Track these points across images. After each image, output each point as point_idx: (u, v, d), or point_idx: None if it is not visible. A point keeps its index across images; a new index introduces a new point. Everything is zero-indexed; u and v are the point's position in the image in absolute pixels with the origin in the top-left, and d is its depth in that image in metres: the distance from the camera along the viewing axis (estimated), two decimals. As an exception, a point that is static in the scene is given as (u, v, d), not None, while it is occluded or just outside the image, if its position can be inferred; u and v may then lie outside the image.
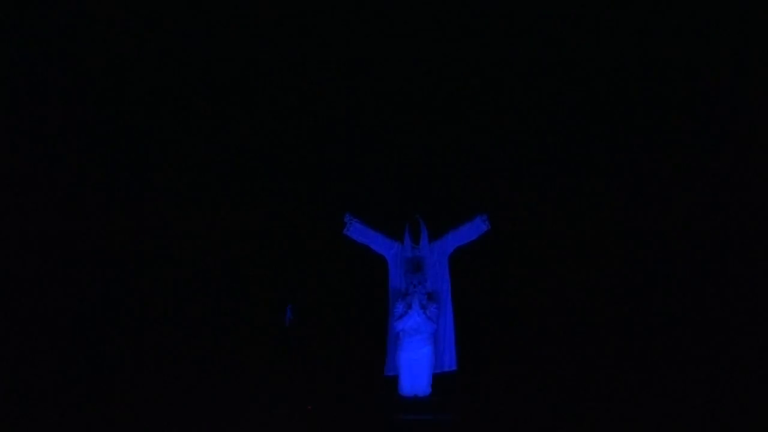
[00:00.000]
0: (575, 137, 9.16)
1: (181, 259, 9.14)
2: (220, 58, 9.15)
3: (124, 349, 8.82)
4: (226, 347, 8.97)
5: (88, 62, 9.00)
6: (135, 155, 9.18)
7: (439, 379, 8.56)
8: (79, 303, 8.84)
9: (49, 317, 8.71)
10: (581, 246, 9.12)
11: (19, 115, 8.84)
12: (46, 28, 8.79)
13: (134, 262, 9.05)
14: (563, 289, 9.09)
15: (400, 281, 8.81)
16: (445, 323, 8.78)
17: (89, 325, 8.82)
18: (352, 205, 8.91)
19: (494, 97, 9.19)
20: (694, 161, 8.92)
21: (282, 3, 9.06)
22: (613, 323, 8.91)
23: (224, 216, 9.30)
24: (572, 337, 8.94)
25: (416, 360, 8.43)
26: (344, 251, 8.96)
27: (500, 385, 8.70)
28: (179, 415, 7.98)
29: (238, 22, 9.08)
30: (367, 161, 9.29)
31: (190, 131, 9.30)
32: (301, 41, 9.15)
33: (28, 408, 8.07)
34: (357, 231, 8.83)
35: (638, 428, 7.61)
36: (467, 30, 9.06)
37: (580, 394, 8.41)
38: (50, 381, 8.44)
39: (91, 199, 9.02)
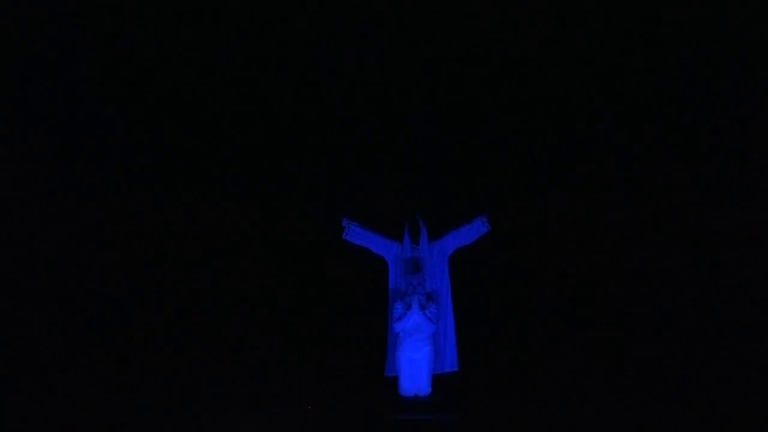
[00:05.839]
0: (575, 137, 9.18)
1: (181, 259, 9.13)
2: (220, 58, 9.16)
3: (125, 349, 8.81)
4: (227, 347, 8.97)
5: (87, 61, 9.02)
6: (134, 155, 9.18)
7: (439, 380, 8.55)
8: (77, 302, 8.83)
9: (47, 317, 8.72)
10: (581, 246, 9.13)
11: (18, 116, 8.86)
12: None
13: (135, 262, 9.05)
14: (563, 289, 9.10)
15: (399, 282, 8.81)
16: (445, 324, 8.78)
17: (89, 325, 8.82)
18: (351, 205, 8.93)
19: (494, 96, 9.21)
20: (694, 161, 8.94)
21: (282, 3, 9.07)
22: (613, 323, 8.92)
23: (224, 217, 9.30)
24: (573, 337, 8.95)
25: (416, 360, 8.43)
26: (344, 252, 8.95)
27: (501, 385, 8.70)
28: (179, 415, 7.94)
29: (239, 23, 9.09)
30: (366, 161, 9.30)
31: (189, 132, 9.30)
32: (300, 41, 9.16)
33: (28, 408, 8.07)
34: (356, 234, 8.83)
35: (639, 428, 7.57)
36: (467, 30, 9.08)
37: (581, 394, 8.39)
38: (50, 381, 8.45)
39: (89, 199, 9.03)
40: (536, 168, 9.26)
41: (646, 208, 9.11)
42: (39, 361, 8.55)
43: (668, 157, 9.02)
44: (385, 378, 8.68)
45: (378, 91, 9.28)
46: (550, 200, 9.23)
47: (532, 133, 9.27)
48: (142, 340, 8.87)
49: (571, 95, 9.18)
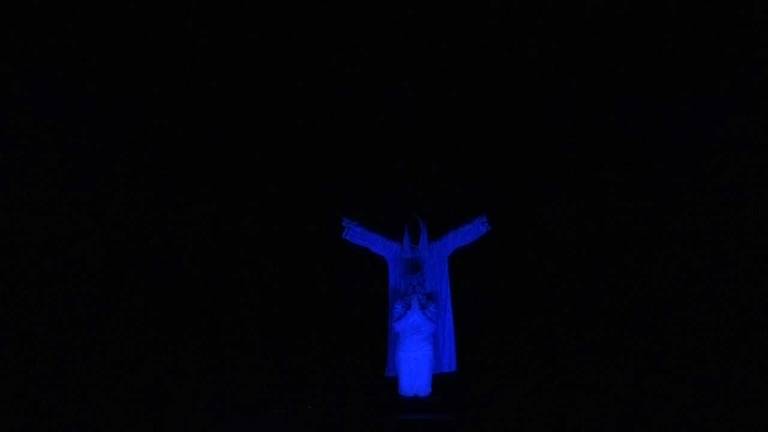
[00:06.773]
0: (575, 137, 9.18)
1: (181, 259, 9.13)
2: (220, 57, 9.15)
3: (124, 349, 8.81)
4: (226, 347, 8.98)
5: (87, 61, 9.01)
6: (134, 154, 9.18)
7: (439, 380, 8.56)
8: (77, 302, 8.83)
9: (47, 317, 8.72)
10: (581, 245, 9.13)
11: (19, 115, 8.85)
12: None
13: (135, 262, 9.04)
14: (563, 290, 9.10)
15: (399, 282, 8.81)
16: (444, 324, 8.79)
17: (88, 325, 8.82)
18: (351, 205, 8.93)
19: (494, 96, 9.20)
20: (694, 161, 8.93)
21: (281, 3, 9.06)
22: (613, 323, 8.92)
23: (224, 217, 9.30)
24: (572, 337, 8.95)
25: (416, 360, 8.45)
26: (344, 251, 8.97)
27: (500, 385, 8.71)
28: (179, 415, 7.96)
29: (238, 22, 9.08)
30: (366, 161, 9.30)
31: (189, 132, 9.30)
32: (300, 40, 9.15)
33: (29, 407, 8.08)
34: (356, 234, 8.85)
35: (638, 428, 7.58)
36: (466, 29, 9.07)
37: (579, 395, 8.40)
38: (49, 380, 8.45)
39: (89, 199, 9.02)
40: (536, 168, 9.26)
41: (645, 207, 9.10)
42: (38, 361, 8.54)
43: (668, 158, 9.01)
44: (385, 378, 8.69)
45: (378, 90, 9.27)
46: (550, 200, 9.23)
47: (532, 132, 9.26)
48: (141, 340, 8.86)
49: (571, 95, 9.17)
